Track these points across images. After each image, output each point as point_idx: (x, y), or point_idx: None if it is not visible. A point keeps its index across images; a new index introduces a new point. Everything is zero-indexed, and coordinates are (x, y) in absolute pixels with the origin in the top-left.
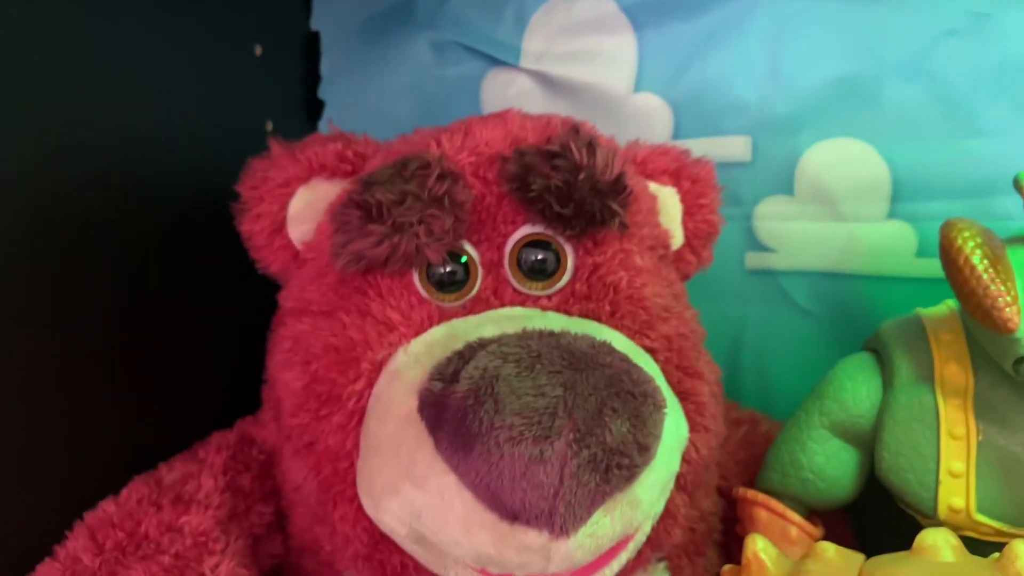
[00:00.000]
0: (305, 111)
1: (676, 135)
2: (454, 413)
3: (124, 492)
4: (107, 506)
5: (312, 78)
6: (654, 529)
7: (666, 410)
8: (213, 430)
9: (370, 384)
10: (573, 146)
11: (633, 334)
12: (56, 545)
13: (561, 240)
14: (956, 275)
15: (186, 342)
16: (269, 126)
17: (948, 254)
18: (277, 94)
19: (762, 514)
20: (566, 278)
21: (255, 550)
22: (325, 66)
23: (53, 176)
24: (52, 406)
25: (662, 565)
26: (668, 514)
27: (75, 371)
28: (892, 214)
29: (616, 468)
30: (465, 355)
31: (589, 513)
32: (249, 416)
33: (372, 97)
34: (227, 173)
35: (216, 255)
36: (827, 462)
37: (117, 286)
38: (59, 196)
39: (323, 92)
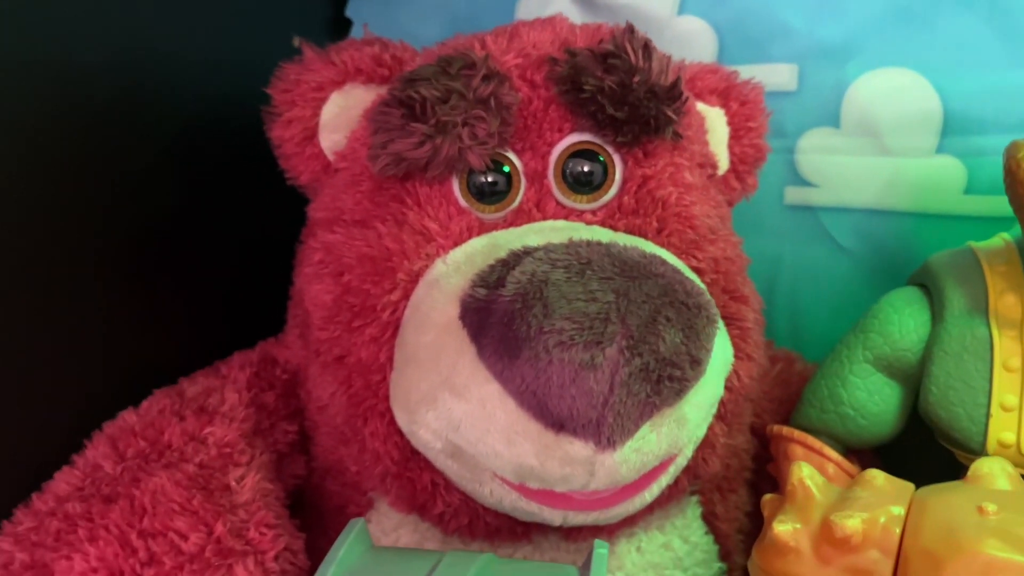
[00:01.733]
0: (331, 30)
1: (720, 60)
2: (500, 318)
3: (145, 403)
4: (128, 416)
5: None
6: (693, 457)
7: (718, 325)
8: (234, 350)
9: (406, 295)
10: (628, 47)
11: (680, 253)
12: (75, 455)
13: (610, 149)
14: (1023, 196)
15: (207, 258)
16: (296, 42)
17: (1015, 175)
18: (303, 13)
19: (798, 451)
20: (613, 191)
21: (279, 468)
22: None
23: (73, 83)
24: (70, 320)
25: (694, 499)
26: (707, 442)
27: (93, 285)
28: (941, 148)
29: (668, 380)
30: (510, 262)
31: (637, 426)
32: (271, 338)
33: (400, 16)
34: (252, 87)
35: (233, 171)
36: (869, 397)
37: (140, 198)
38: (79, 100)
39: (350, 11)
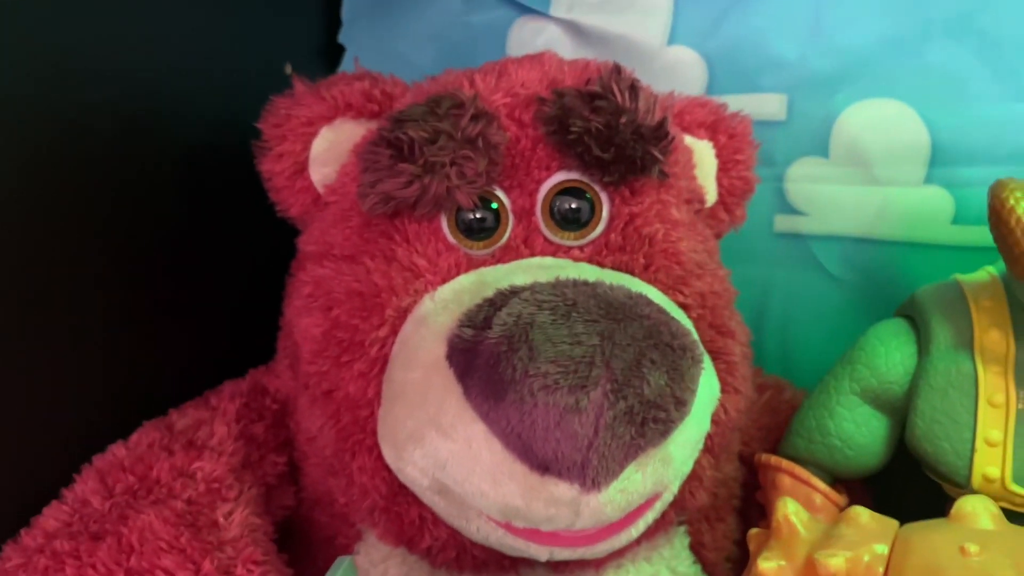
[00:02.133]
0: (325, 57)
1: (710, 90)
2: (486, 359)
3: (134, 436)
4: (117, 450)
5: (333, 23)
6: (680, 491)
7: (703, 366)
8: (224, 379)
9: (394, 331)
10: (615, 88)
11: (667, 289)
12: (64, 488)
13: (597, 188)
14: (1007, 236)
15: (199, 288)
16: (288, 70)
17: (999, 214)
18: (296, 39)
19: (786, 480)
20: (600, 228)
21: (267, 500)
22: (346, 10)
23: (62, 118)
24: (59, 348)
25: (682, 529)
26: (694, 476)
27: (83, 315)
28: (929, 179)
29: (652, 422)
30: (496, 302)
31: (622, 467)
32: (262, 366)
33: (394, 43)
34: (243, 117)
35: (231, 201)
36: (856, 429)
37: (130, 228)
38: (70, 135)
39: (344, 37)
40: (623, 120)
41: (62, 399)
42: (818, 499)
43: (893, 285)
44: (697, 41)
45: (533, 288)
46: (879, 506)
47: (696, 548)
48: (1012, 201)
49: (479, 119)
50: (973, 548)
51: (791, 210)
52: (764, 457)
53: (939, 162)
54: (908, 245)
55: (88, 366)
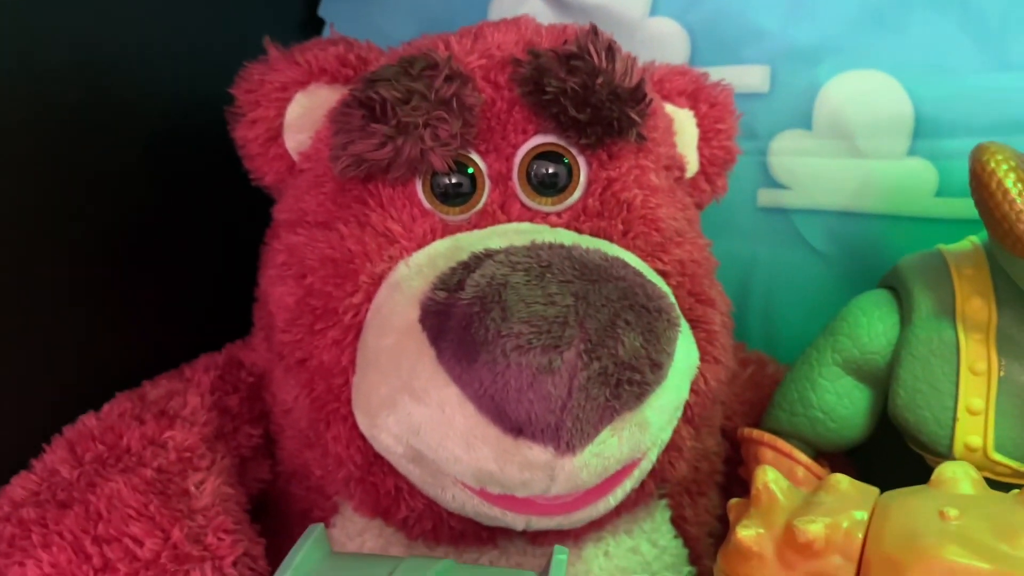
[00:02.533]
0: (305, 31)
1: (692, 62)
2: (458, 321)
3: (106, 407)
4: (88, 420)
5: None
6: (659, 460)
7: (680, 328)
8: (201, 352)
9: (368, 298)
10: (592, 48)
11: (645, 256)
12: (33, 459)
13: (574, 151)
14: (987, 199)
15: (172, 259)
16: (266, 40)
17: (980, 178)
18: (276, 13)
19: (768, 454)
20: (578, 193)
21: (242, 472)
22: None
23: (33, 94)
24: (33, 324)
25: (663, 503)
26: (673, 445)
27: (56, 287)
28: (913, 151)
29: (627, 384)
30: (471, 265)
31: (597, 430)
32: (239, 340)
33: (374, 17)
34: (219, 89)
35: (204, 172)
36: (838, 401)
37: (103, 198)
38: (41, 109)
39: (323, 11)
40: (599, 81)
41: (35, 374)
42: (800, 472)
43: (877, 259)
44: (679, 12)
45: (508, 251)
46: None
47: (678, 522)
48: (993, 164)
49: (453, 80)
50: (953, 512)
51: (774, 184)
52: (746, 431)
53: (922, 134)
54: (892, 218)
55: (63, 341)
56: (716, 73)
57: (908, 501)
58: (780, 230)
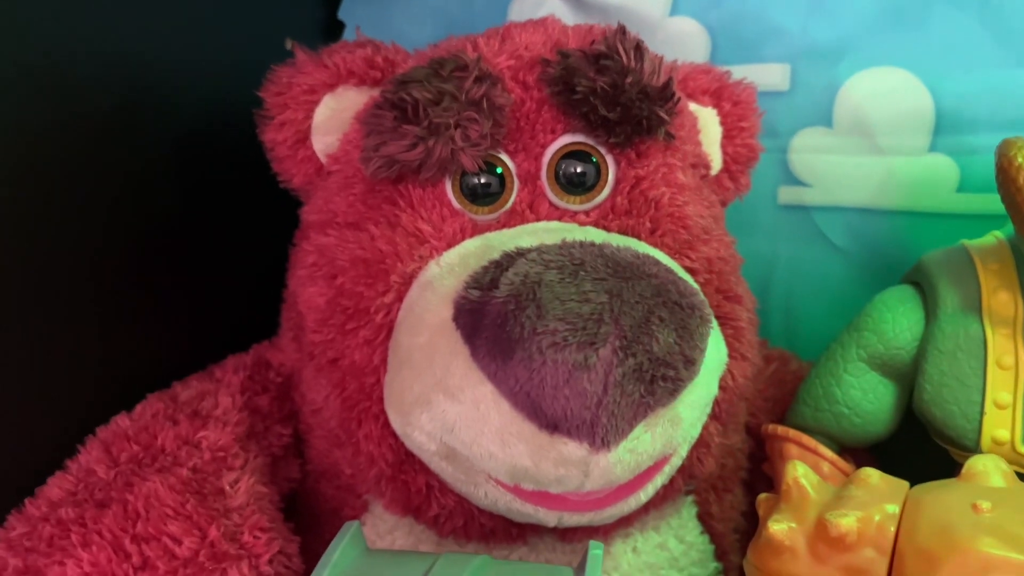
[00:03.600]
0: (324, 33)
1: (712, 61)
2: (493, 319)
3: (138, 408)
4: (121, 420)
5: None
6: (688, 456)
7: (712, 325)
8: (228, 354)
9: (399, 298)
10: (620, 48)
11: (673, 253)
12: (68, 460)
13: (603, 150)
14: (1015, 194)
15: (201, 262)
16: (288, 44)
17: (1007, 172)
18: (295, 15)
19: (793, 450)
20: (606, 192)
21: (273, 471)
22: None
23: (62, 100)
24: (65, 325)
25: (690, 499)
26: (702, 442)
27: (87, 289)
28: (934, 147)
29: (661, 380)
30: (503, 264)
31: (631, 426)
32: (266, 341)
33: (393, 19)
34: (243, 94)
35: (234, 178)
36: (863, 396)
37: (133, 201)
38: (69, 115)
39: (343, 13)
40: (629, 80)
41: (68, 376)
42: (826, 467)
43: (898, 255)
44: (699, 11)
45: (540, 249)
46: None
47: (704, 518)
48: (1020, 159)
49: (483, 81)
50: (985, 504)
51: (795, 181)
52: (771, 427)
53: (943, 130)
54: (913, 215)
55: (93, 342)
56: (736, 72)
57: (940, 494)
58: (801, 227)
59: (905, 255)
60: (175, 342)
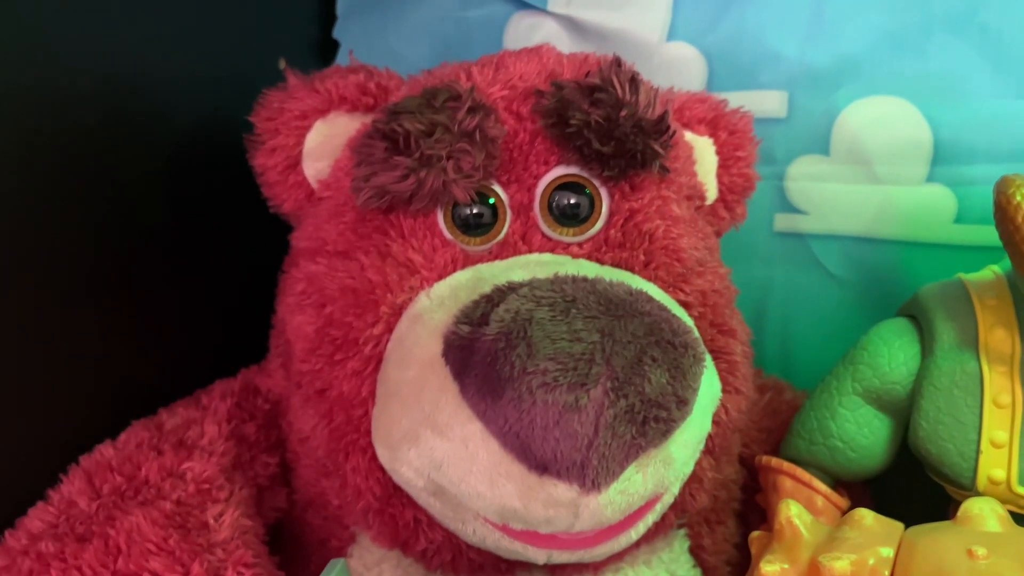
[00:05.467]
0: (319, 52)
1: (709, 87)
2: (483, 357)
3: (123, 436)
4: (105, 450)
5: (327, 18)
6: (680, 493)
7: (705, 364)
8: (216, 379)
9: (389, 329)
10: (616, 81)
11: (667, 287)
12: (50, 489)
13: (596, 183)
14: (1013, 232)
15: (188, 283)
16: (282, 64)
17: (1005, 211)
18: (290, 34)
19: (787, 483)
20: (599, 224)
21: (259, 502)
22: (341, 5)
23: (52, 116)
24: (47, 348)
25: (682, 532)
26: (695, 477)
27: (72, 313)
28: (931, 177)
29: (653, 421)
30: (494, 298)
31: (622, 467)
32: (254, 365)
33: (389, 39)
34: (236, 113)
35: (221, 194)
36: (858, 430)
37: (120, 227)
38: (58, 132)
39: (338, 32)
40: (623, 113)
41: (50, 400)
42: (820, 501)
43: (894, 285)
44: (696, 37)
45: (531, 284)
46: (880, 510)
47: (696, 551)
48: (1019, 197)
49: (476, 112)
50: (981, 551)
51: (791, 209)
52: (765, 459)
53: (941, 160)
54: (910, 244)
55: (77, 365)
56: (733, 98)
57: (935, 538)
58: (797, 255)
59: (902, 285)
60: (163, 364)
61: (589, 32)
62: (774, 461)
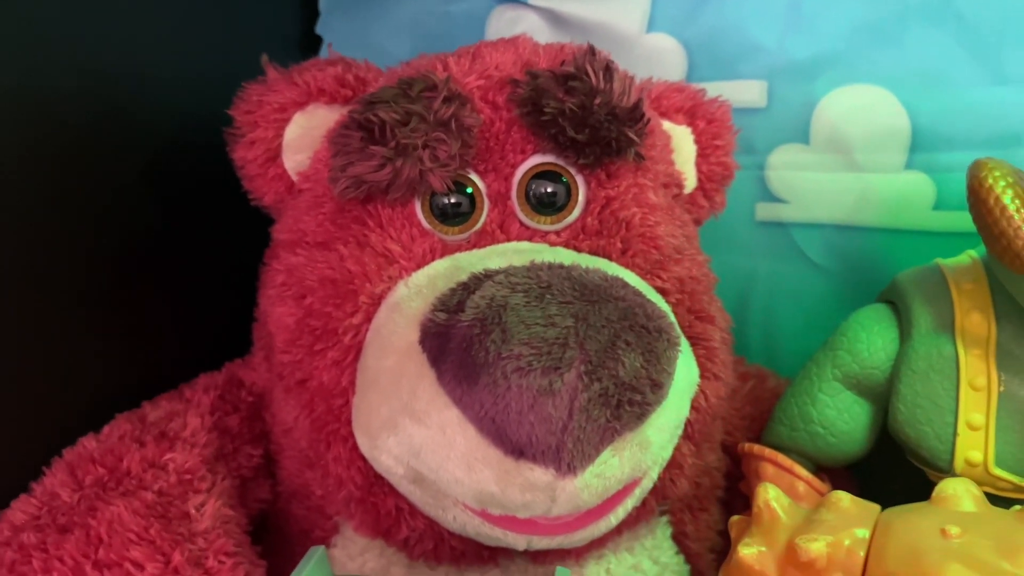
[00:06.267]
0: (302, 48)
1: (689, 78)
2: (458, 343)
3: (106, 429)
4: (87, 442)
5: (310, 13)
6: (660, 478)
7: (680, 348)
8: (200, 373)
9: (368, 318)
10: (590, 69)
11: (644, 274)
12: (33, 482)
13: (573, 171)
14: (985, 216)
15: (173, 279)
16: (265, 60)
17: (977, 194)
18: (273, 30)
19: (769, 469)
20: (576, 212)
21: (242, 493)
22: (323, 1)
23: (34, 113)
24: (32, 343)
25: (664, 519)
26: (674, 463)
27: (56, 307)
28: (910, 165)
29: (628, 404)
30: (470, 286)
31: (598, 451)
32: (238, 359)
33: (371, 34)
34: (219, 107)
35: (206, 191)
36: (838, 415)
37: (102, 219)
38: (41, 129)
39: (321, 28)
40: (597, 101)
41: (35, 395)
42: (801, 487)
43: (875, 272)
44: (676, 28)
45: (507, 271)
46: (864, 495)
47: (679, 538)
48: (991, 180)
49: (452, 101)
50: (954, 530)
51: (772, 198)
52: (747, 446)
53: (920, 147)
54: (890, 231)
55: (62, 361)
56: (713, 88)
57: (910, 519)
58: (779, 244)
59: (882, 271)
60: (147, 359)
61: (570, 24)
62: (756, 448)
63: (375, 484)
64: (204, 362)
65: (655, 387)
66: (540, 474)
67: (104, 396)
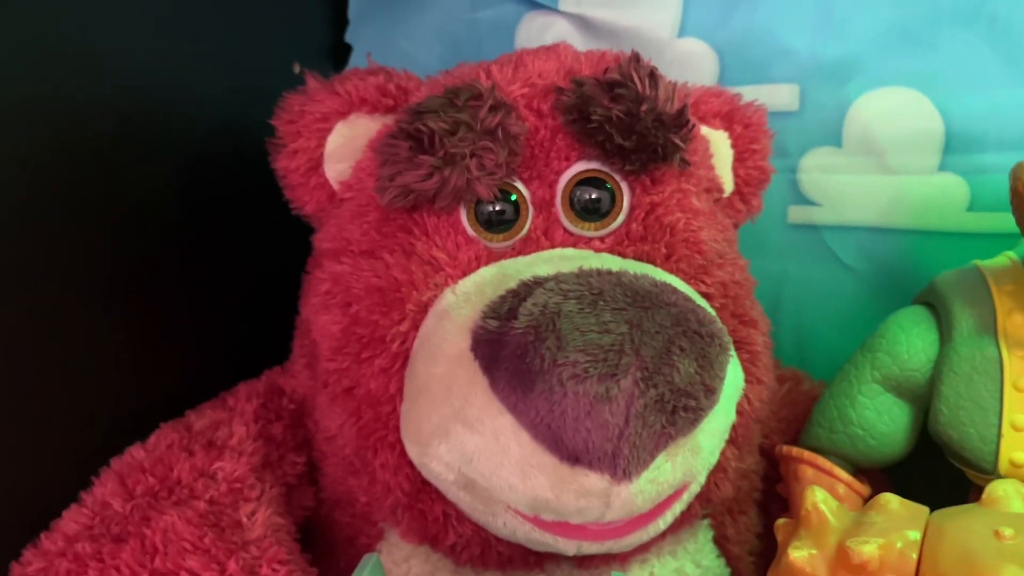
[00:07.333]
0: (331, 56)
1: (721, 82)
2: (512, 350)
3: (152, 438)
4: (136, 452)
5: (339, 21)
6: (705, 483)
7: (731, 353)
8: (237, 381)
9: (415, 326)
10: (635, 76)
11: (688, 279)
12: (83, 492)
13: (617, 177)
14: None
15: (211, 290)
16: (296, 68)
17: (1021, 195)
18: (302, 38)
19: (808, 471)
20: (621, 218)
21: (288, 501)
22: (353, 8)
23: (68, 121)
24: (73, 352)
25: (706, 522)
26: (719, 467)
27: (95, 319)
28: (943, 167)
29: (683, 410)
30: (521, 293)
31: (652, 456)
32: (276, 367)
33: (400, 41)
34: (250, 116)
35: (236, 200)
36: (878, 417)
37: (141, 231)
38: (76, 137)
39: (350, 36)
40: (644, 108)
41: (77, 404)
42: (841, 489)
43: (908, 275)
44: (707, 32)
45: (557, 278)
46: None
47: (720, 541)
48: None
49: (498, 110)
50: (1008, 531)
51: (805, 201)
52: (786, 448)
53: (953, 149)
54: (923, 233)
55: (102, 369)
56: (746, 92)
57: (962, 521)
58: (811, 247)
59: (916, 274)
60: (186, 369)
61: (600, 30)
62: (795, 450)
63: (422, 491)
64: (240, 369)
65: (708, 392)
66: (596, 480)
67: (144, 403)
